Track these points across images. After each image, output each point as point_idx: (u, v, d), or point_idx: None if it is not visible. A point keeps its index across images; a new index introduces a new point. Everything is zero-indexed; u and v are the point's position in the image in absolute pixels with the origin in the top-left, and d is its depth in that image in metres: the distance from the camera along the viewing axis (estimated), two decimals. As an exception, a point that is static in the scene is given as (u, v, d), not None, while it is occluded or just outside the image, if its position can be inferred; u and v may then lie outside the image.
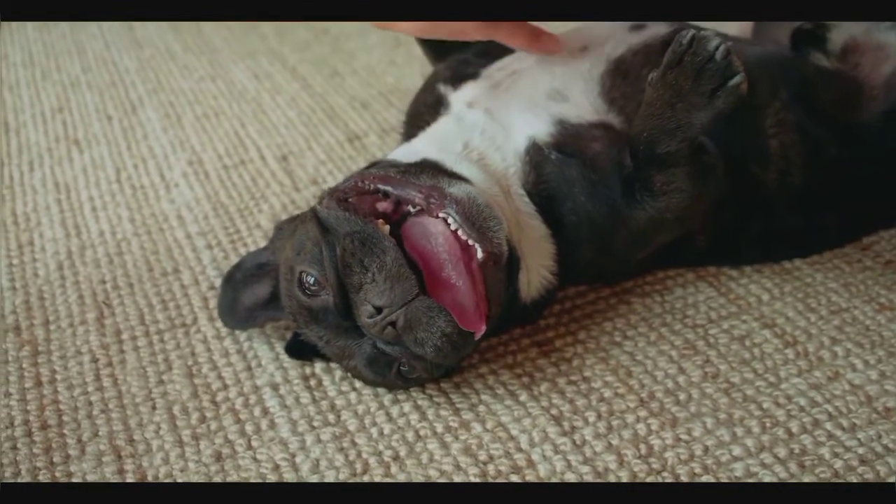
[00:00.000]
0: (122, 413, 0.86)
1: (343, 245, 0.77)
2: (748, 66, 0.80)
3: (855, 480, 0.74)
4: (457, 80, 0.98)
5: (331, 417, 0.84)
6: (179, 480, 0.78)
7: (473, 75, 0.97)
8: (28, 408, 0.87)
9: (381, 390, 0.86)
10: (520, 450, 0.79)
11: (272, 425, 0.84)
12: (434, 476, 0.77)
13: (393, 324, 0.76)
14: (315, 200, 1.00)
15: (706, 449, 0.78)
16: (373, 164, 0.93)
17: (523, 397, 0.85)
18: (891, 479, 0.74)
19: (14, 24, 1.89)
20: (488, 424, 0.82)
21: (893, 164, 0.99)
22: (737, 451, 0.78)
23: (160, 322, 0.98)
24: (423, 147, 0.91)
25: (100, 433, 0.84)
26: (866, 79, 0.99)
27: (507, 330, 0.92)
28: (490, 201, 0.81)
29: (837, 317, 0.92)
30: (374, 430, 0.82)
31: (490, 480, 0.77)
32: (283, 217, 1.11)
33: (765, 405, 0.82)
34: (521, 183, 0.89)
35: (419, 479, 0.77)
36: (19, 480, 0.79)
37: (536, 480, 0.76)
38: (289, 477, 0.78)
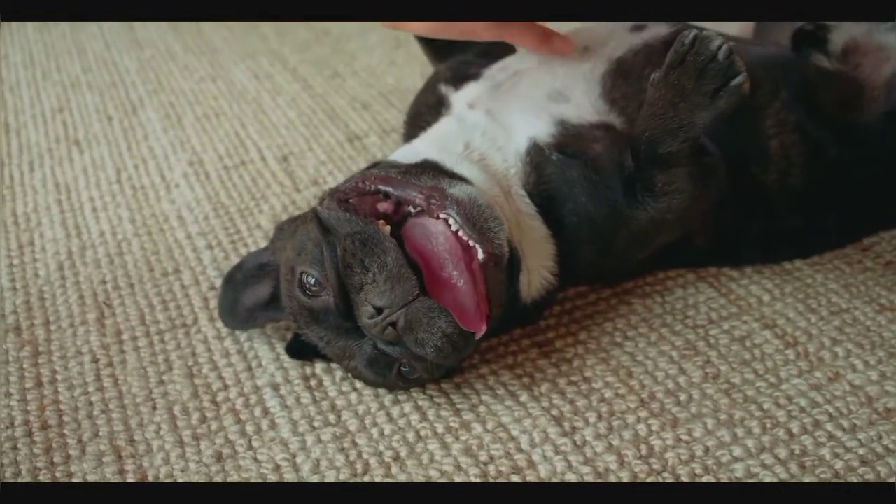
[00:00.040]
0: (122, 413, 0.86)
1: (344, 245, 0.77)
2: (749, 67, 0.80)
3: (855, 481, 0.74)
4: (458, 80, 0.98)
5: (331, 418, 0.84)
6: (180, 481, 0.78)
7: (475, 76, 0.97)
8: (28, 408, 0.87)
9: (381, 391, 0.86)
10: (520, 450, 0.79)
11: (273, 425, 0.84)
12: (435, 476, 0.77)
13: (393, 324, 0.76)
14: (316, 201, 1.00)
15: (707, 449, 0.78)
16: (374, 165, 0.93)
17: (524, 398, 0.85)
18: (891, 480, 0.74)
19: (14, 24, 1.89)
20: (489, 425, 0.82)
21: (894, 165, 0.99)
22: (737, 451, 0.78)
23: (161, 322, 0.98)
24: (424, 148, 0.91)
25: (100, 433, 0.84)
26: (867, 80, 0.99)
27: (507, 330, 0.92)
28: (491, 202, 0.81)
29: (838, 318, 0.92)
30: (374, 431, 0.82)
31: (491, 481, 0.77)
32: (284, 217, 1.11)
33: (765, 406, 0.82)
34: (522, 183, 0.89)
35: (420, 479, 0.77)
36: (20, 480, 0.79)
37: (537, 481, 0.76)
38: (289, 477, 0.78)
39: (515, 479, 0.77)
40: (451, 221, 0.78)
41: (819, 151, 0.96)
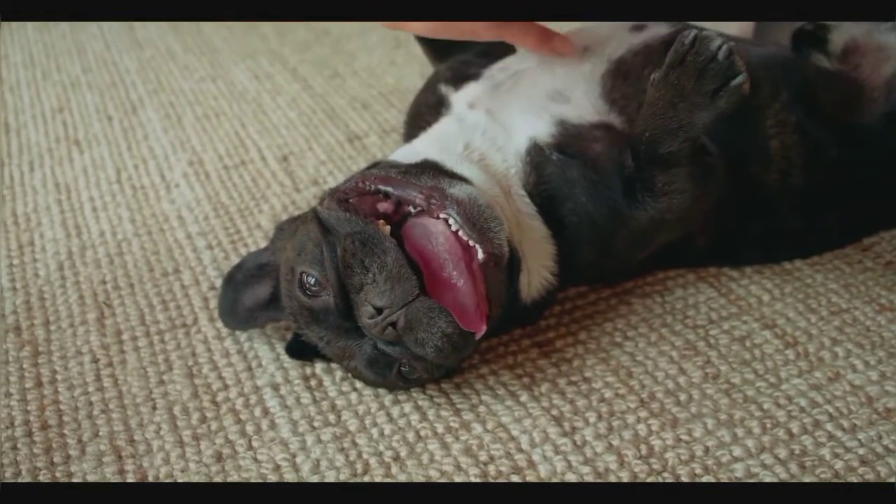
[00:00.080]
0: (122, 413, 0.86)
1: (344, 245, 0.77)
2: (749, 67, 0.80)
3: (855, 481, 0.74)
4: (458, 80, 0.98)
5: (331, 418, 0.84)
6: (180, 481, 0.78)
7: (475, 76, 0.97)
8: (28, 408, 0.87)
9: (381, 391, 0.86)
10: (520, 450, 0.79)
11: (273, 426, 0.84)
12: (435, 476, 0.77)
13: (393, 324, 0.76)
14: (316, 201, 1.00)
15: (707, 450, 0.78)
16: (374, 165, 0.93)
17: (524, 398, 0.85)
18: (891, 480, 0.74)
19: (14, 24, 1.89)
20: (489, 425, 0.82)
21: (894, 165, 0.99)
22: (737, 451, 0.78)
23: (161, 322, 0.98)
24: (424, 148, 0.91)
25: (100, 433, 0.84)
26: (867, 80, 0.99)
27: (507, 330, 0.92)
28: (491, 202, 0.81)
29: (838, 318, 0.92)
30: (374, 431, 0.82)
31: (491, 481, 0.77)
32: (284, 217, 1.11)
33: (765, 406, 0.82)
34: (522, 184, 0.89)
35: (420, 479, 0.77)
36: (20, 480, 0.79)
37: (537, 481, 0.76)
38: (289, 477, 0.78)
39: (515, 479, 0.77)
40: (451, 221, 0.78)
41: (819, 151, 0.96)
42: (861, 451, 0.77)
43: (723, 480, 0.75)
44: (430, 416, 0.83)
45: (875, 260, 1.00)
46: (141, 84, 1.60)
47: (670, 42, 0.82)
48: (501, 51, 1.00)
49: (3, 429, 0.84)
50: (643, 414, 0.82)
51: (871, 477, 0.74)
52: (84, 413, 0.86)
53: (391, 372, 0.81)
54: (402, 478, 0.77)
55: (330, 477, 0.78)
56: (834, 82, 1.00)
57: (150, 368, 0.92)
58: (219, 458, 0.81)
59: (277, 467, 0.79)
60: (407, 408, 0.85)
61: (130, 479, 0.79)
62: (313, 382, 0.88)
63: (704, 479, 0.75)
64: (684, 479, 0.75)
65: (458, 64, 1.02)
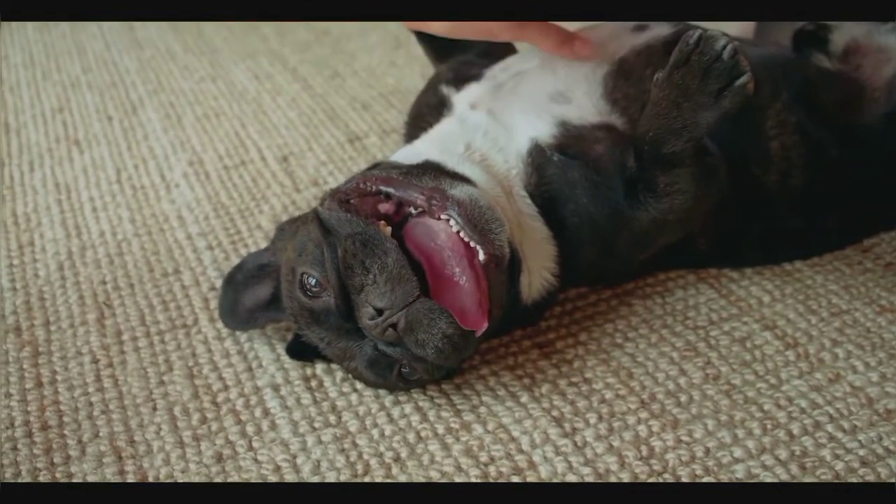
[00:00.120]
0: (122, 414, 0.86)
1: (344, 246, 0.77)
2: (750, 67, 0.80)
3: (856, 482, 0.74)
4: (459, 81, 0.98)
5: (332, 418, 0.84)
6: (180, 481, 0.78)
7: (476, 76, 0.97)
8: (29, 408, 0.87)
9: (382, 392, 0.86)
10: (521, 451, 0.79)
11: (273, 426, 0.84)
12: (435, 477, 0.77)
13: (394, 325, 0.76)
14: (316, 201, 1.00)
15: (707, 451, 0.78)
16: (375, 166, 0.93)
17: (524, 399, 0.85)
18: (892, 481, 0.74)
19: (14, 24, 1.89)
20: (489, 426, 0.82)
21: (894, 166, 0.99)
22: (738, 452, 0.78)
23: (161, 323, 0.98)
24: (425, 148, 0.91)
25: (100, 434, 0.84)
26: (868, 81, 0.99)
27: (508, 331, 0.92)
28: (492, 203, 0.81)
29: (838, 319, 0.92)
30: (375, 432, 0.82)
31: (491, 482, 0.76)
32: (284, 218, 1.11)
33: (766, 407, 0.82)
34: (524, 184, 0.89)
35: (420, 480, 0.77)
36: (20, 481, 0.79)
37: (538, 482, 0.76)
38: (290, 478, 0.78)
39: (516, 479, 0.77)
40: (452, 223, 0.78)
41: (820, 152, 0.96)
42: (861, 453, 0.77)
43: (723, 481, 0.75)
44: (430, 417, 0.83)
45: (875, 261, 1.00)
46: (141, 84, 1.60)
47: (672, 42, 0.82)
48: (503, 51, 1.00)
49: (4, 429, 0.84)
50: (644, 415, 0.82)
51: (871, 478, 0.74)
52: (84, 413, 0.86)
53: (392, 373, 0.81)
54: (402, 478, 0.77)
55: (330, 477, 0.78)
56: (835, 83, 1.00)
57: (150, 369, 0.91)
58: (219, 458, 0.81)
59: (278, 468, 0.79)
60: (407, 409, 0.85)
61: (131, 479, 0.79)
62: (314, 383, 0.88)
63: (705, 481, 0.75)
64: (685, 480, 0.75)
65: (459, 64, 1.02)
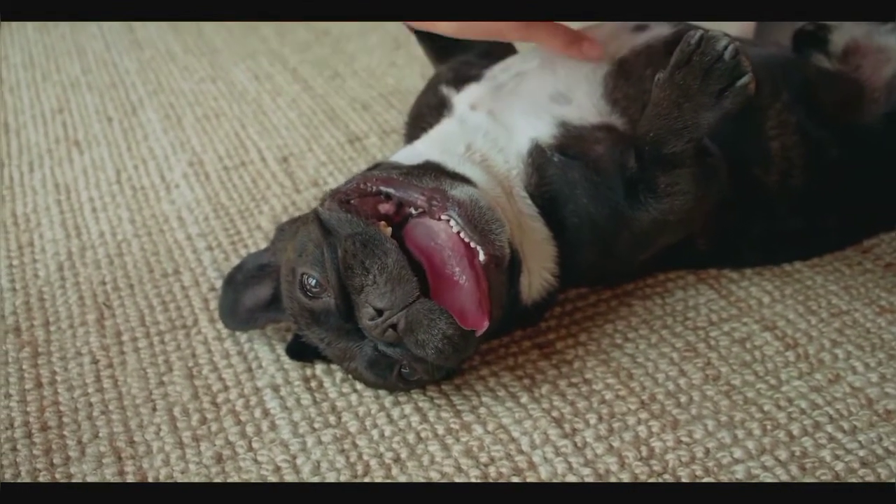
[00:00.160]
0: (122, 414, 0.86)
1: (345, 247, 0.77)
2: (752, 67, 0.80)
3: (856, 483, 0.74)
4: (459, 81, 0.98)
5: (332, 419, 0.84)
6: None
7: (476, 77, 0.97)
8: (28, 409, 0.87)
9: (382, 392, 0.86)
10: (521, 452, 0.79)
11: (273, 427, 0.84)
12: (435, 478, 0.77)
13: (394, 326, 0.76)
14: (316, 202, 1.00)
15: (707, 451, 0.78)
16: (375, 166, 0.93)
17: (524, 399, 0.85)
18: (892, 482, 0.74)
19: (14, 24, 1.89)
20: (489, 426, 0.82)
21: (894, 166, 0.99)
22: (738, 453, 0.78)
23: (161, 323, 0.98)
24: (425, 149, 0.91)
25: (100, 434, 0.84)
26: (867, 81, 0.99)
27: (508, 332, 0.92)
28: (492, 203, 0.81)
29: (838, 319, 0.92)
30: (375, 432, 0.82)
31: (491, 482, 0.76)
32: (284, 218, 1.11)
33: (766, 407, 0.82)
34: (524, 185, 0.89)
35: (420, 480, 0.77)
36: (19, 481, 0.79)
37: (538, 482, 0.76)
38: (290, 478, 0.78)
39: (516, 480, 0.77)
40: (452, 223, 0.78)
41: (820, 152, 0.96)
42: (861, 453, 0.77)
43: (723, 482, 0.75)
44: (430, 418, 0.83)
45: (875, 262, 1.00)
46: (141, 85, 1.60)
47: (673, 42, 0.82)
48: (503, 52, 1.00)
49: (3, 430, 0.84)
50: (644, 416, 0.82)
51: (871, 478, 0.74)
52: (84, 414, 0.86)
53: (392, 373, 0.81)
54: (402, 479, 0.77)
55: (330, 478, 0.78)
56: (835, 83, 1.00)
57: (150, 369, 0.91)
58: (219, 459, 0.80)
59: (278, 468, 0.79)
60: (407, 409, 0.85)
61: (130, 480, 0.79)
62: (314, 384, 0.88)
63: (705, 481, 0.75)
64: (685, 481, 0.75)
65: (459, 65, 1.02)
